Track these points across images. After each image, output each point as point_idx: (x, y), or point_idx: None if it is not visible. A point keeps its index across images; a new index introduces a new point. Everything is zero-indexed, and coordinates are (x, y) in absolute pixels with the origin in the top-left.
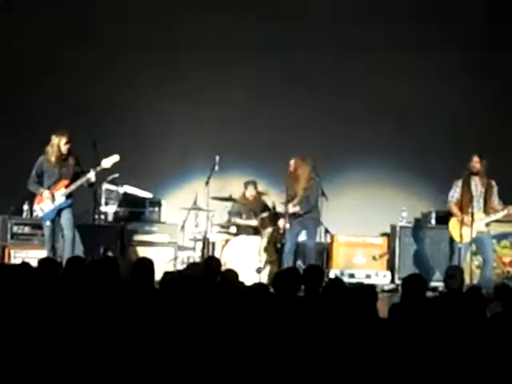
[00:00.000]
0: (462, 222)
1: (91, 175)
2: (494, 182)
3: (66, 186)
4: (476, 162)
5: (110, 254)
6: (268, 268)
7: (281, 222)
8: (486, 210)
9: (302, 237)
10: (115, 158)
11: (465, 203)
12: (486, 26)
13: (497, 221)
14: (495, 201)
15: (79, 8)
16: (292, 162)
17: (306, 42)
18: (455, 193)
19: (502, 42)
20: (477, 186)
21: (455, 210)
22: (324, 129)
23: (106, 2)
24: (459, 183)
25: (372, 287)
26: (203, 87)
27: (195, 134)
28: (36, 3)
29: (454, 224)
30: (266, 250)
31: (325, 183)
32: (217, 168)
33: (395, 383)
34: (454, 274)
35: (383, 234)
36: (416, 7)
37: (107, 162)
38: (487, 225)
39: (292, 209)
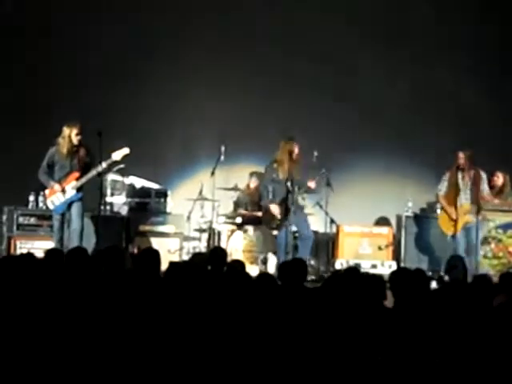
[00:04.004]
0: (450, 216)
1: (101, 168)
2: (483, 173)
3: (77, 179)
4: (461, 159)
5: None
6: (273, 258)
7: (273, 208)
8: (475, 200)
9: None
10: (125, 150)
11: (452, 196)
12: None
13: (503, 210)
14: (484, 191)
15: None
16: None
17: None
18: (443, 186)
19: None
20: (464, 178)
21: (443, 202)
22: (330, 120)
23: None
24: (447, 176)
25: (380, 277)
26: (208, 77)
27: (200, 123)
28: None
29: (442, 217)
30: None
31: (330, 174)
32: (222, 158)
33: (401, 374)
34: (455, 264)
35: (388, 224)
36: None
37: (117, 155)
38: (476, 215)
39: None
